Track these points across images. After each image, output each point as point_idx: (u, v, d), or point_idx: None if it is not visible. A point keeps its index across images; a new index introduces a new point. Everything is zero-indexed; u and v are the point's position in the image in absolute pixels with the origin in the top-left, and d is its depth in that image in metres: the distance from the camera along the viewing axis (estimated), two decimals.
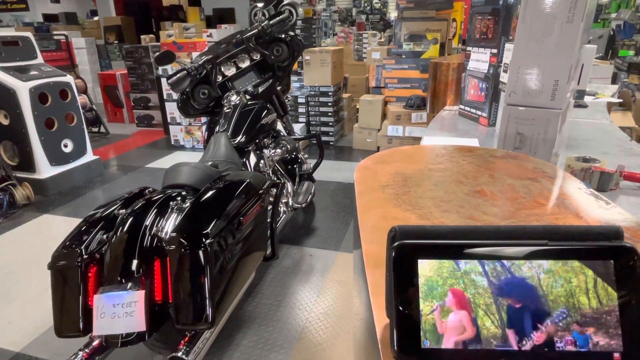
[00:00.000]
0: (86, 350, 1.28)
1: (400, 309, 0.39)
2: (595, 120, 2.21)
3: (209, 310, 1.23)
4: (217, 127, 2.21)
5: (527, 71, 1.25)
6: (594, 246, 0.40)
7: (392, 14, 11.54)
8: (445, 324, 0.39)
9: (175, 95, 3.73)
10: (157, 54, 2.25)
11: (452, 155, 1.05)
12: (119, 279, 1.25)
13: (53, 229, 2.97)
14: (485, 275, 0.40)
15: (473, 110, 2.05)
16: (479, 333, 0.39)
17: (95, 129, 5.35)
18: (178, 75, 2.24)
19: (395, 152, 1.09)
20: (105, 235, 1.32)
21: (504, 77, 1.69)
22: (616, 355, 0.38)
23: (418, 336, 0.39)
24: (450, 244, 0.41)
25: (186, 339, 1.34)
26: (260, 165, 2.30)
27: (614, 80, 3.94)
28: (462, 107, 2.16)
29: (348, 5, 12.58)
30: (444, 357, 0.39)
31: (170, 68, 4.33)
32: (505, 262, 0.40)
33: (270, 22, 2.43)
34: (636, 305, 0.38)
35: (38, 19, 12.41)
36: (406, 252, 0.40)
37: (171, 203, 1.43)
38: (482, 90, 1.96)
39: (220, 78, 2.48)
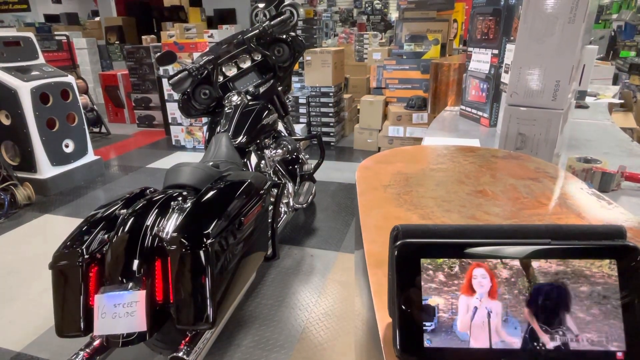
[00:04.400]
0: (87, 350, 1.28)
1: (403, 308, 0.39)
2: (597, 121, 2.21)
3: (209, 311, 1.23)
4: (218, 127, 2.21)
5: (529, 71, 1.25)
6: (597, 245, 0.40)
7: (393, 15, 11.55)
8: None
9: (176, 96, 3.73)
10: (158, 54, 2.26)
11: (453, 156, 1.05)
12: (120, 278, 1.25)
13: (54, 229, 2.97)
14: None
15: (474, 111, 2.05)
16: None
17: (96, 129, 5.36)
18: (179, 75, 2.24)
19: (396, 152, 1.09)
20: (106, 235, 1.32)
21: (505, 78, 1.69)
22: (619, 354, 0.38)
23: (421, 335, 0.39)
24: (453, 243, 0.41)
25: (187, 339, 1.34)
26: (261, 165, 2.30)
27: (615, 81, 3.93)
28: (463, 107, 2.16)
29: (349, 6, 12.59)
30: (446, 356, 0.39)
31: (171, 68, 4.33)
32: (508, 260, 0.40)
33: (272, 22, 2.43)
34: (639, 304, 0.38)
35: (39, 19, 12.43)
36: (409, 251, 0.40)
37: (172, 203, 1.43)
38: (483, 90, 1.96)
39: (221, 78, 2.48)
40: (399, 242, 0.41)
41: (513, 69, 1.27)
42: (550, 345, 0.39)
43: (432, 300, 0.39)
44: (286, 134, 2.78)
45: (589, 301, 0.39)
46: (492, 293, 0.40)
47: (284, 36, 2.56)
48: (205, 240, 1.24)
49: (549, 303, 0.39)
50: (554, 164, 1.06)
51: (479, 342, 0.39)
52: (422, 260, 0.40)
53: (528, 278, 0.40)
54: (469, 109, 2.10)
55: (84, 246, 1.26)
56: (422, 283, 0.40)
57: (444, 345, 0.39)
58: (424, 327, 0.39)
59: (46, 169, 3.47)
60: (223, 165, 1.84)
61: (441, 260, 0.40)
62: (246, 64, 2.53)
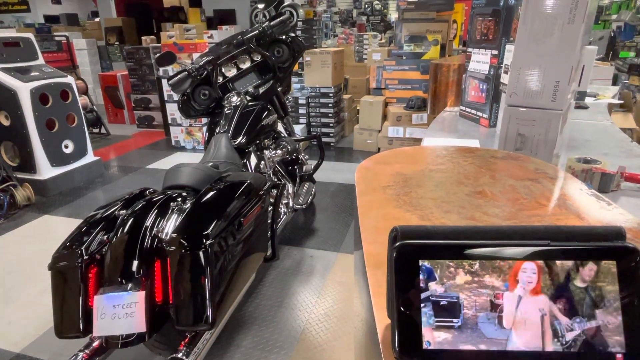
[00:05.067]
0: (86, 351, 1.28)
1: (402, 309, 0.39)
2: (596, 121, 2.21)
3: (209, 311, 1.23)
4: (218, 128, 2.21)
5: (528, 72, 1.25)
6: (597, 246, 0.40)
7: (393, 15, 11.55)
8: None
9: (175, 96, 3.73)
10: (158, 55, 2.26)
11: (453, 156, 1.05)
12: (119, 279, 1.25)
13: (53, 229, 2.97)
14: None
15: (474, 112, 2.05)
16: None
17: (95, 130, 5.36)
18: (179, 76, 2.24)
19: (396, 152, 1.09)
20: (105, 236, 1.32)
21: (504, 78, 1.69)
22: (619, 355, 0.38)
23: (419, 337, 0.39)
24: (452, 245, 0.41)
25: (186, 340, 1.34)
26: (261, 166, 2.30)
27: (614, 82, 3.94)
28: (462, 108, 2.16)
29: (349, 7, 12.58)
30: (445, 358, 0.39)
31: (171, 69, 4.33)
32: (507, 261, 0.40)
33: (271, 23, 2.44)
34: (639, 305, 0.38)
35: (39, 20, 12.44)
36: (408, 252, 0.40)
37: (172, 204, 1.43)
38: (482, 91, 1.96)
39: (220, 79, 2.48)
40: (397, 244, 0.41)
41: (512, 69, 1.27)
42: (550, 345, 0.39)
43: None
44: (286, 135, 2.78)
45: (589, 302, 0.39)
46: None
47: (284, 37, 2.56)
48: (204, 241, 1.24)
49: (547, 304, 0.39)
50: (553, 165, 1.06)
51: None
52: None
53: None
54: (468, 110, 2.10)
55: (84, 247, 1.26)
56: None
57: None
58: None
59: (46, 170, 3.46)
60: (222, 166, 1.84)
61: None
62: (246, 65, 2.53)
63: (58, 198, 3.46)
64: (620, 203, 1.25)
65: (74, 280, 1.24)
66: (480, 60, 1.95)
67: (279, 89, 2.63)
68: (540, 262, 0.40)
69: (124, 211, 1.38)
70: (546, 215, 0.73)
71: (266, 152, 2.39)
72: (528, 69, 1.25)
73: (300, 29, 5.08)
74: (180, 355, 1.29)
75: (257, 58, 2.54)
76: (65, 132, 3.60)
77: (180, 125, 4.83)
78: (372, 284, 0.55)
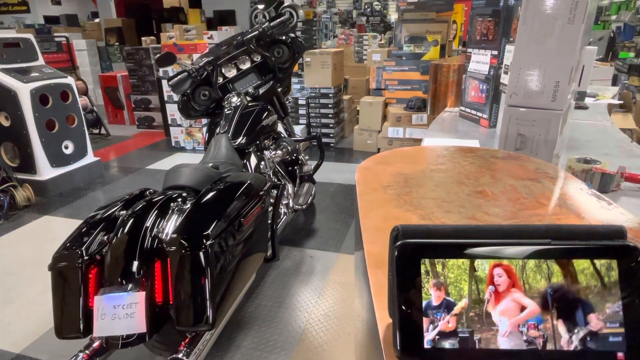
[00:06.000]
0: (86, 351, 1.28)
1: (403, 308, 0.39)
2: (596, 121, 2.21)
3: (209, 312, 1.23)
4: (218, 128, 2.21)
5: (528, 72, 1.25)
6: (598, 245, 0.40)
7: (393, 16, 11.55)
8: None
9: (176, 97, 3.73)
10: (158, 55, 2.25)
11: (453, 156, 1.05)
12: (119, 280, 1.24)
13: (53, 230, 2.97)
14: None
15: (474, 112, 2.05)
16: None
17: (95, 131, 5.36)
18: (179, 76, 2.24)
19: (396, 152, 1.09)
20: (106, 237, 1.32)
21: (504, 79, 1.69)
22: (620, 354, 0.38)
23: (421, 336, 0.39)
24: (454, 243, 0.41)
25: (187, 340, 1.34)
26: (261, 166, 2.30)
27: (614, 82, 3.94)
28: (462, 108, 2.16)
29: (348, 7, 12.59)
30: (446, 357, 0.39)
31: (171, 70, 4.34)
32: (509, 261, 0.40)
33: (271, 24, 2.44)
34: (639, 304, 0.38)
35: (39, 20, 12.45)
36: (409, 251, 0.40)
37: (172, 204, 1.43)
38: (482, 91, 1.96)
39: (220, 79, 2.48)
40: (399, 242, 0.41)
41: (512, 69, 1.27)
42: (550, 344, 0.39)
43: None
44: (286, 135, 2.78)
45: (590, 301, 0.39)
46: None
47: (284, 37, 2.56)
48: (205, 241, 1.24)
49: (548, 303, 0.39)
50: (553, 165, 1.06)
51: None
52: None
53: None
54: (468, 110, 2.10)
55: (84, 247, 1.26)
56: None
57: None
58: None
59: (46, 171, 3.46)
60: (223, 166, 1.84)
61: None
62: (246, 65, 2.53)
63: (58, 199, 3.46)
64: (620, 203, 1.25)
65: (74, 281, 1.24)
66: (480, 61, 1.95)
67: (279, 89, 2.63)
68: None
69: (124, 212, 1.38)
70: (547, 214, 0.73)
71: (266, 152, 2.39)
72: (528, 69, 1.25)
73: (300, 29, 5.08)
74: (180, 355, 1.29)
75: (257, 59, 2.54)
76: (65, 133, 3.60)
77: (180, 125, 4.83)
78: (373, 283, 0.55)
